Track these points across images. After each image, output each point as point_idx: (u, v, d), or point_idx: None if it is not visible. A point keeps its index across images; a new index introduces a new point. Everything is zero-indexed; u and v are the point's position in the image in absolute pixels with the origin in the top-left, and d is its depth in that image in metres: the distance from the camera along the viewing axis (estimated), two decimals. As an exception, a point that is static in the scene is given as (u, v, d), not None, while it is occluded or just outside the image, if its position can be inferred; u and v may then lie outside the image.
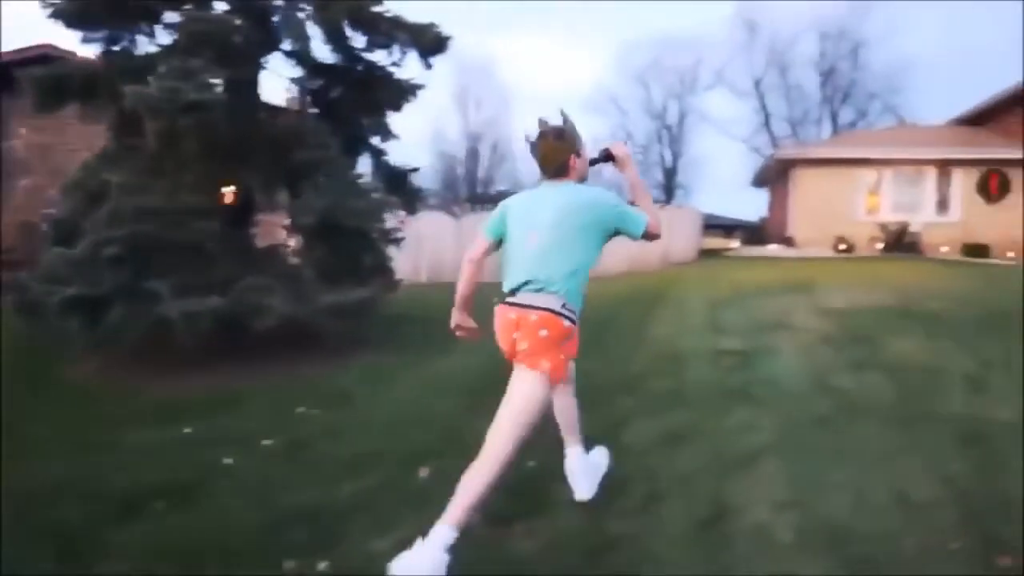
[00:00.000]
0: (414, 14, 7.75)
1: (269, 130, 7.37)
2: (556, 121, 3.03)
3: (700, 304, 9.58)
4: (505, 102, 29.08)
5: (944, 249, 17.67)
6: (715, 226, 32.09)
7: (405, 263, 14.65)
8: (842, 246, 17.77)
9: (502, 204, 3.09)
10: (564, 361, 2.88)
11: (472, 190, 27.78)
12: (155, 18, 6.87)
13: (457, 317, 3.25)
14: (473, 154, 27.97)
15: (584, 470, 3.43)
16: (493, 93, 29.02)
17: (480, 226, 3.24)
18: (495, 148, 28.42)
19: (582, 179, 3.06)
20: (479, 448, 2.85)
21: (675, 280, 12.78)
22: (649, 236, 2.99)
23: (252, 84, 7.56)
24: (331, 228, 7.17)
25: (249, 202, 7.97)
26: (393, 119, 8.50)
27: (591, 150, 3.19)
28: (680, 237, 16.06)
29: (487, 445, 2.76)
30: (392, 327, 8.49)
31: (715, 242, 26.56)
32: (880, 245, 17.81)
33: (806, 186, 19.54)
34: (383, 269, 8.24)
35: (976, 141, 19.83)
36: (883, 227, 18.12)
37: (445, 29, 7.71)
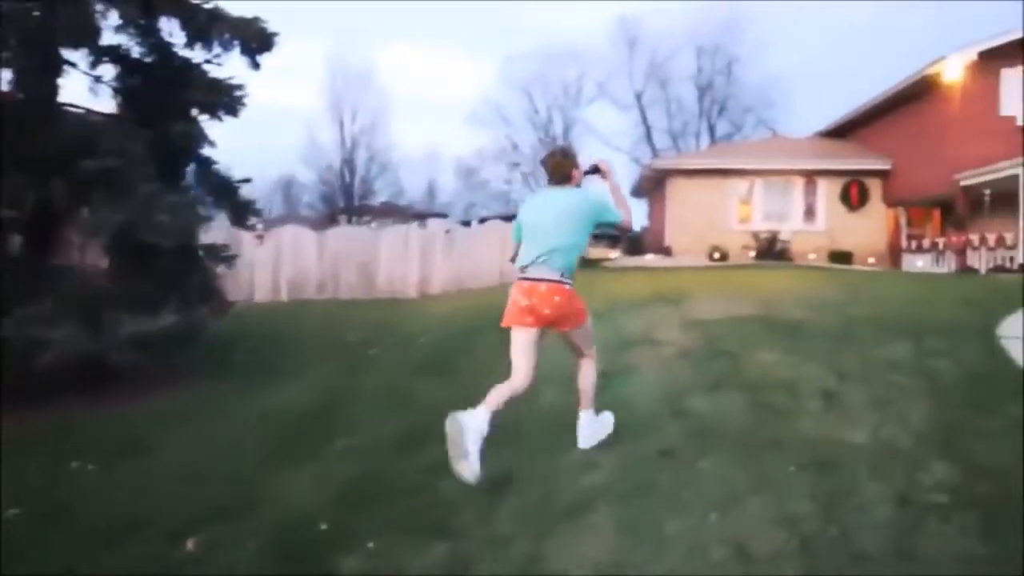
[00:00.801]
0: (288, 23, 7.01)
1: (63, 134, 6.34)
2: (561, 144, 4.82)
3: (567, 319, 9.11)
4: (384, 112, 28.24)
5: (812, 256, 18.16)
6: (601, 236, 32.18)
7: (264, 279, 13.65)
8: (716, 255, 17.96)
9: (520, 212, 4.07)
10: (583, 305, 4.01)
11: (349, 202, 26.63)
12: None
13: None
14: (350, 165, 26.83)
15: (589, 426, 4.18)
16: (372, 103, 28.04)
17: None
18: (373, 159, 27.41)
19: (578, 184, 4.03)
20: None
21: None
22: (623, 228, 4.12)
23: (42, 81, 6.50)
24: (143, 247, 6.23)
25: (46, 217, 6.88)
26: (235, 127, 7.64)
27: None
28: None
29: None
30: (223, 354, 7.57)
31: (599, 252, 26.52)
32: (752, 253, 18.12)
33: (681, 196, 19.74)
34: (211, 290, 7.32)
35: (838, 153, 20.62)
36: (755, 236, 18.46)
37: (271, 26, 6.90)
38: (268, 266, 13.62)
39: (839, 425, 4.40)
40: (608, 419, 4.23)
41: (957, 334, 7.07)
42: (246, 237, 13.91)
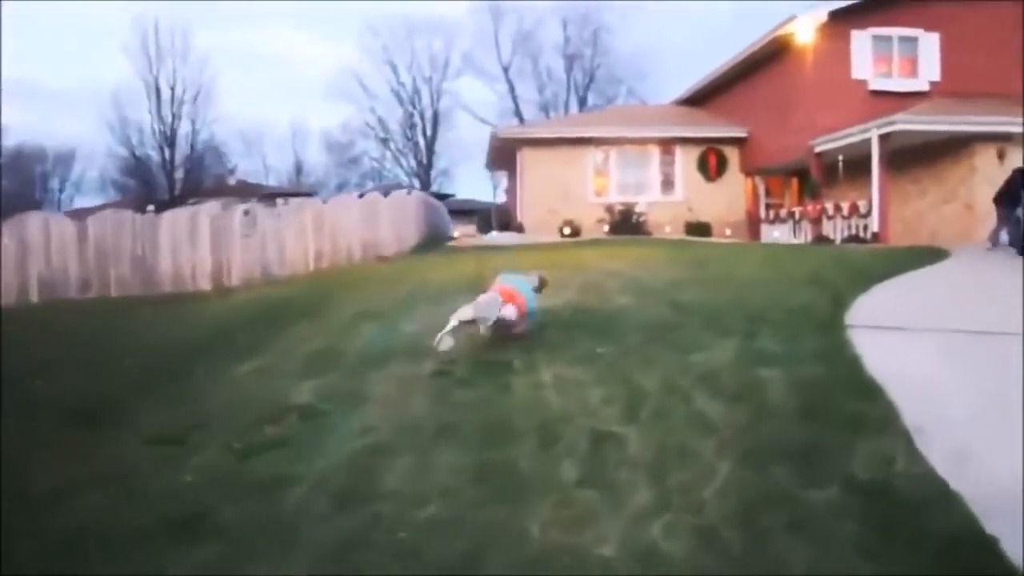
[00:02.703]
0: None
1: None
2: None
3: (341, 319, 7.20)
4: (211, 84, 25.18)
5: (668, 229, 17.00)
6: (467, 212, 30.44)
7: (7, 279, 11.02)
8: (567, 230, 16.48)
9: None
10: None
11: (171, 185, 23.45)
12: None
13: None
14: (169, 141, 23.59)
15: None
16: (194, 75, 24.75)
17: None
18: (195, 136, 24.25)
19: None
20: None
21: (353, 281, 10.31)
22: None
23: None
24: None
25: None
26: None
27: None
28: (390, 227, 13.60)
29: None
30: None
31: (464, 230, 24.79)
32: (606, 228, 16.76)
33: (534, 169, 18.12)
34: None
35: (694, 120, 19.56)
36: (609, 209, 17.09)
37: None
38: (11, 263, 10.94)
39: (587, 516, 2.72)
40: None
41: (797, 327, 5.66)
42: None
